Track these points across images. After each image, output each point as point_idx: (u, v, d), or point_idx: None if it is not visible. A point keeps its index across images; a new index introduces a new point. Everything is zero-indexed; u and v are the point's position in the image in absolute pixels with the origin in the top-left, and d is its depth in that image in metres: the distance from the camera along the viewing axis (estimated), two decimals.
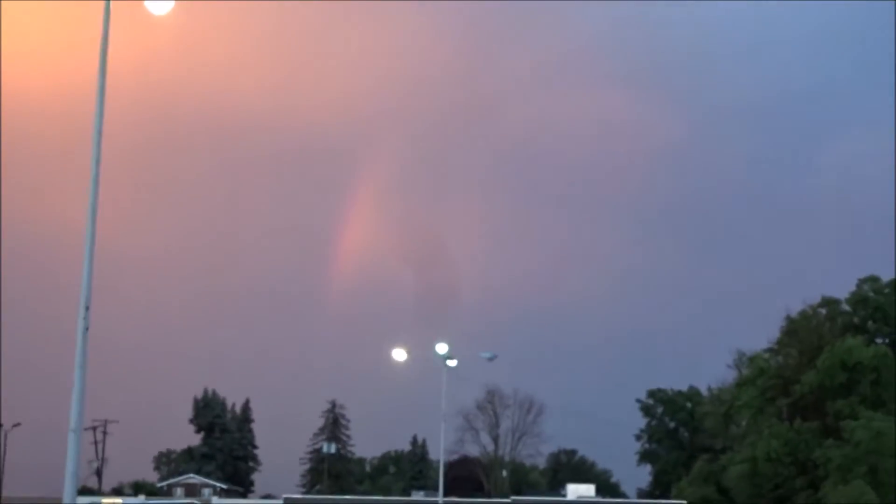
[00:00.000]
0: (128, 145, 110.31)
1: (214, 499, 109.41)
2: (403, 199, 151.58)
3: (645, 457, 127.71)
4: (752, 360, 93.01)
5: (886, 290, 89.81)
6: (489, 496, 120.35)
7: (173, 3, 23.28)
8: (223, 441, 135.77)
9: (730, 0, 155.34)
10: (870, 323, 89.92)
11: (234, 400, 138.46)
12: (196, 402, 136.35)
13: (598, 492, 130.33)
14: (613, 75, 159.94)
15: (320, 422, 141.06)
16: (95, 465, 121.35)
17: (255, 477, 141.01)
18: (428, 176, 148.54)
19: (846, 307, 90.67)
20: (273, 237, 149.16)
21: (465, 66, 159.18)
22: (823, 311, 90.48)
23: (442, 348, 65.71)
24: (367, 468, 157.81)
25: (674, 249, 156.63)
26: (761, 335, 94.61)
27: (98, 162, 22.75)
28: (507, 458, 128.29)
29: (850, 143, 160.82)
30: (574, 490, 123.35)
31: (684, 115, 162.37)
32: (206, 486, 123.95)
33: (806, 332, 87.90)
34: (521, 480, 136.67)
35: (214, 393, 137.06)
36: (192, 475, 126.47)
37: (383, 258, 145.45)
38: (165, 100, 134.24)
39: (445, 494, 72.27)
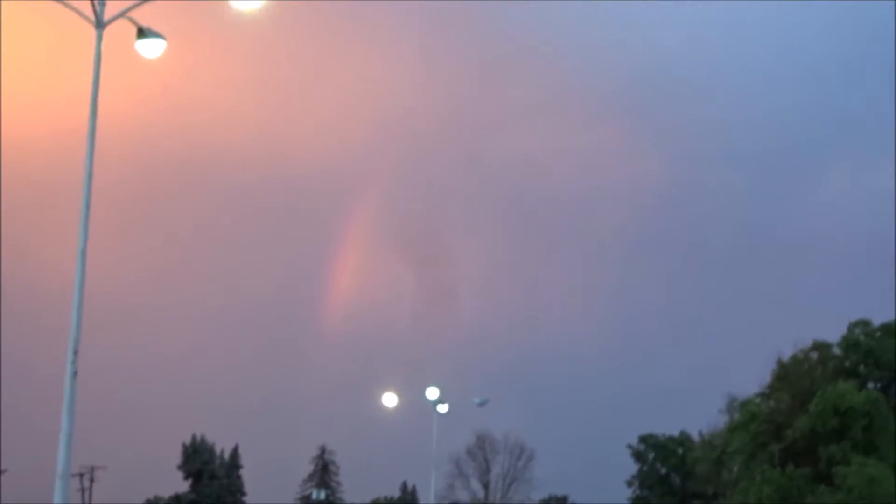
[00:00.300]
0: (118, 189, 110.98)
1: None
2: (394, 241, 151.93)
3: (637, 503, 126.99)
4: (744, 404, 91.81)
5: (878, 334, 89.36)
6: None
7: (165, 45, 23.33)
8: (211, 488, 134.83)
9: (723, 13, 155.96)
10: (861, 367, 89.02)
11: (222, 446, 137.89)
12: (185, 448, 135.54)
13: None
14: (601, 112, 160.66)
15: (309, 468, 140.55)
16: None
17: None
18: (418, 219, 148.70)
19: (837, 351, 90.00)
20: (264, 282, 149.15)
21: (455, 107, 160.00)
22: (815, 355, 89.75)
23: (433, 393, 67.70)
24: None
25: (663, 292, 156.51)
26: (752, 379, 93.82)
27: (88, 206, 22.76)
28: None
29: (843, 181, 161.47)
30: None
31: (673, 154, 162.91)
32: None
33: (797, 377, 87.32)
34: None
35: (203, 439, 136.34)
36: None
37: (374, 302, 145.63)
38: (155, 143, 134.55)
39: None
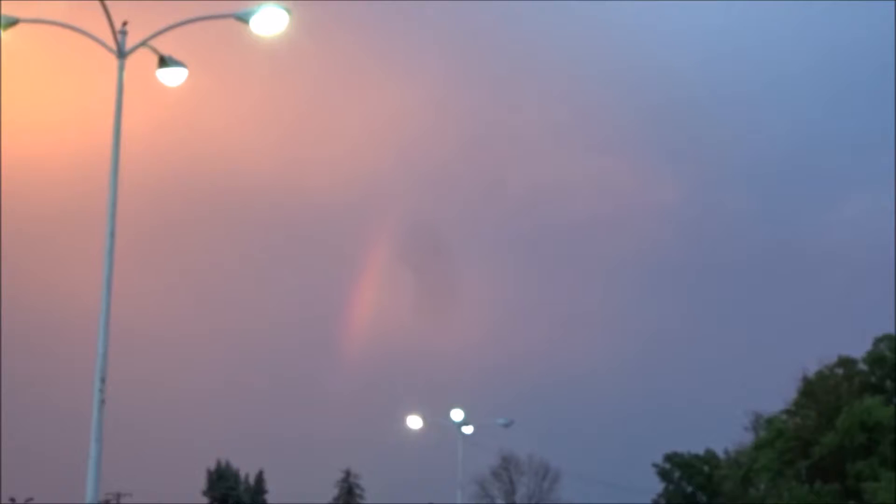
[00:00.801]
0: (138, 214, 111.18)
1: None
2: (413, 264, 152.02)
3: None
4: (770, 421, 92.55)
5: None
6: None
7: (186, 73, 23.53)
8: None
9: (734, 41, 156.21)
10: (888, 382, 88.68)
11: (247, 471, 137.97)
12: (209, 473, 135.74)
13: None
14: (616, 136, 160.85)
15: (334, 492, 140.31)
16: None
17: None
18: (436, 242, 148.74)
19: (863, 366, 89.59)
20: (286, 304, 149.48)
21: (469, 135, 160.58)
22: (840, 370, 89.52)
23: (457, 415, 67.90)
24: None
25: (684, 310, 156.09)
26: (777, 396, 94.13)
27: (112, 234, 22.99)
28: None
29: (862, 196, 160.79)
30: None
31: (687, 172, 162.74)
32: None
33: (823, 393, 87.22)
34: None
35: (228, 464, 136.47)
36: None
37: (395, 327, 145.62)
38: (170, 171, 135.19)
39: None
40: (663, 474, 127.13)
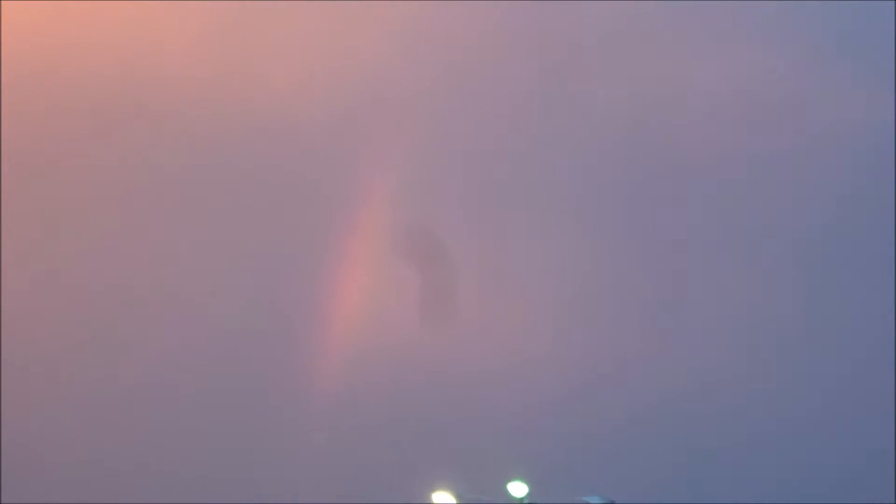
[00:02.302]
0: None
1: None
2: (414, 235, 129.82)
3: None
4: None
5: None
6: None
7: None
8: None
9: None
10: None
11: None
12: None
13: None
14: (768, 24, 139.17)
15: None
16: None
17: None
18: (465, 196, 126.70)
19: None
20: (212, 296, 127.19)
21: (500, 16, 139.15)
22: None
23: (518, 489, 55.82)
24: None
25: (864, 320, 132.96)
26: None
27: None
28: None
29: None
30: None
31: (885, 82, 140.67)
32: None
33: None
34: None
35: None
36: None
37: (398, 334, 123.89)
38: (56, 63, 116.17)
39: None
40: None
